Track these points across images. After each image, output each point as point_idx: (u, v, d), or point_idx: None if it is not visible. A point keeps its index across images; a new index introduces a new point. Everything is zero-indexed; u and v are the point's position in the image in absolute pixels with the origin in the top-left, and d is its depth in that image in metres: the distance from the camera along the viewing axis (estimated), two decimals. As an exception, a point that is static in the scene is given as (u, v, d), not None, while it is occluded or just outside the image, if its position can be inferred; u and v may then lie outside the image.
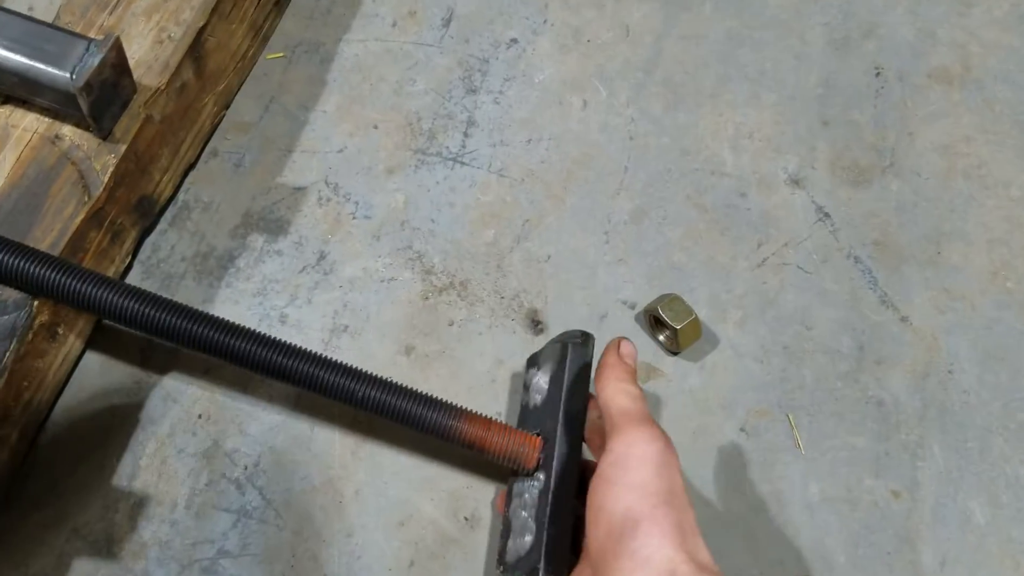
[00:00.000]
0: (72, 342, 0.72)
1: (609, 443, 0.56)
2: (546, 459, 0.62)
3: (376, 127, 0.87)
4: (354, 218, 0.83)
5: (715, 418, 0.75)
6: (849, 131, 0.90)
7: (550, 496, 0.60)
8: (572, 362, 0.65)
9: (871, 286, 0.82)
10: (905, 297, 0.81)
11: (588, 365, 0.66)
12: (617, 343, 0.63)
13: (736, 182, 0.86)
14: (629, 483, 0.52)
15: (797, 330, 0.79)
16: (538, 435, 0.64)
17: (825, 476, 0.73)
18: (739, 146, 0.88)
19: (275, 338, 0.65)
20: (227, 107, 0.87)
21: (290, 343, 0.65)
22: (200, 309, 0.65)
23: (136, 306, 0.64)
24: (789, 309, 0.80)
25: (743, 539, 0.71)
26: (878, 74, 0.93)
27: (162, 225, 0.81)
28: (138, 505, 0.70)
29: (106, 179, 0.71)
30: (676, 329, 0.74)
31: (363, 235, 0.82)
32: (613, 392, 0.58)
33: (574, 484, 0.62)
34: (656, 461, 0.53)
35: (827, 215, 0.85)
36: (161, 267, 0.79)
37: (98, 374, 0.74)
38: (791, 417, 0.76)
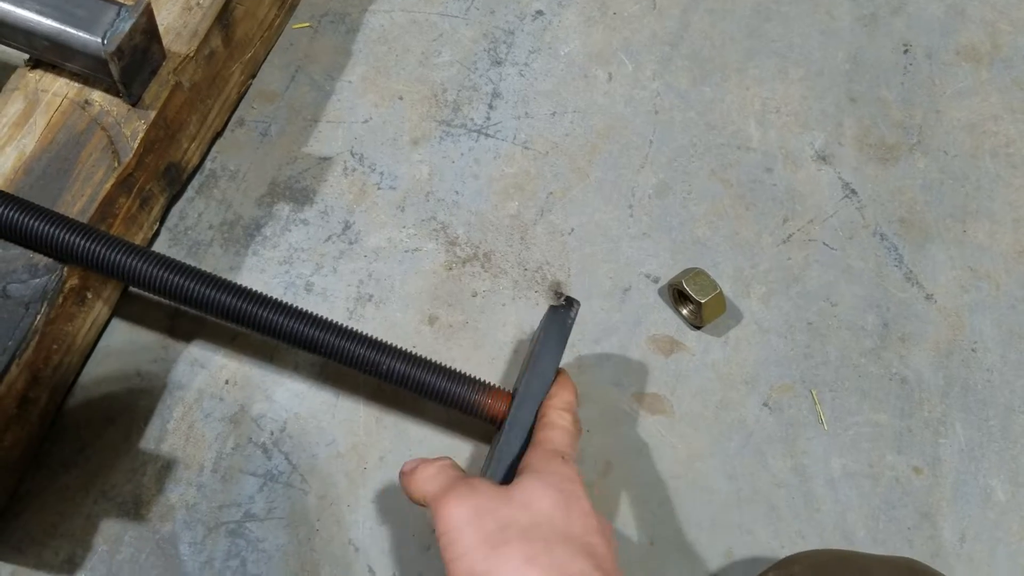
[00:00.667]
0: (100, 308, 0.73)
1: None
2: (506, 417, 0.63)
3: (401, 98, 0.87)
4: (379, 188, 0.83)
5: (738, 393, 0.75)
6: (876, 108, 0.89)
7: (496, 451, 0.61)
8: (546, 325, 0.65)
9: (896, 263, 0.82)
10: (930, 275, 0.81)
11: (565, 328, 0.65)
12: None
13: (762, 157, 0.86)
14: (456, 555, 0.49)
15: (822, 306, 0.79)
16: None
17: (847, 452, 0.73)
18: (765, 121, 0.88)
19: (300, 308, 0.66)
20: (254, 76, 0.87)
21: (315, 313, 0.66)
22: (225, 277, 0.66)
23: (162, 273, 0.64)
24: (814, 285, 0.80)
25: (765, 514, 0.71)
26: (906, 51, 0.92)
27: (189, 193, 0.82)
28: (165, 468, 0.71)
29: (136, 145, 0.72)
30: (700, 303, 0.74)
31: (388, 205, 0.82)
32: (419, 486, 0.56)
33: (524, 442, 0.61)
34: (470, 516, 0.50)
35: (853, 192, 0.85)
36: (188, 234, 0.80)
37: (125, 339, 0.75)
38: (814, 393, 0.76)
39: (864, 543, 0.70)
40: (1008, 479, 0.73)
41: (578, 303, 0.66)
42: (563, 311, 0.65)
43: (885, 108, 0.89)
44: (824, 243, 0.82)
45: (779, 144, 0.86)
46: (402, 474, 0.59)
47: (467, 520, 0.49)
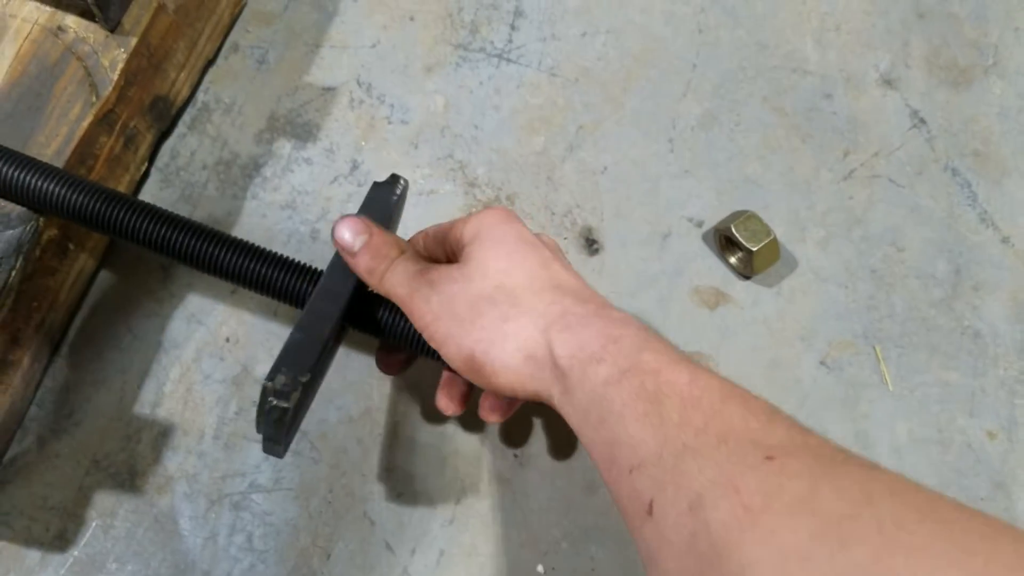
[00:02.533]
0: (84, 260, 0.66)
1: (455, 238, 0.55)
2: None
3: (412, 19, 0.78)
4: (389, 123, 0.74)
5: (793, 350, 0.68)
6: (947, 25, 0.79)
7: (310, 299, 0.54)
8: (367, 199, 0.58)
9: (970, 202, 0.73)
10: (1007, 215, 0.73)
11: (388, 202, 0.58)
12: (333, 237, 0.55)
13: (820, 82, 0.76)
14: (443, 342, 0.51)
15: (886, 252, 0.71)
16: None
17: (914, 415, 0.66)
18: (824, 40, 0.78)
19: (295, 260, 0.58)
20: (248, -4, 0.79)
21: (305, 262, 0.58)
22: (213, 227, 0.58)
23: (142, 223, 0.57)
24: (878, 228, 0.72)
25: (821, 483, 0.64)
26: (982, -42, 0.82)
27: (180, 129, 0.74)
28: (162, 435, 0.65)
29: (116, 77, 0.64)
30: (751, 251, 0.66)
31: (399, 142, 0.74)
32: (387, 290, 0.54)
33: (348, 285, 0.55)
34: (443, 305, 0.51)
35: (922, 121, 0.75)
36: (181, 175, 0.72)
37: (115, 294, 0.68)
38: (878, 349, 0.68)
39: (930, 515, 0.64)
40: (1092, 444, 0.66)
41: (405, 180, 0.60)
42: (387, 187, 0.59)
43: (957, 25, 0.79)
44: (890, 179, 0.73)
45: (839, 66, 0.77)
46: (355, 268, 0.55)
47: (439, 307, 0.51)
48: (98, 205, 0.57)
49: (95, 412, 0.65)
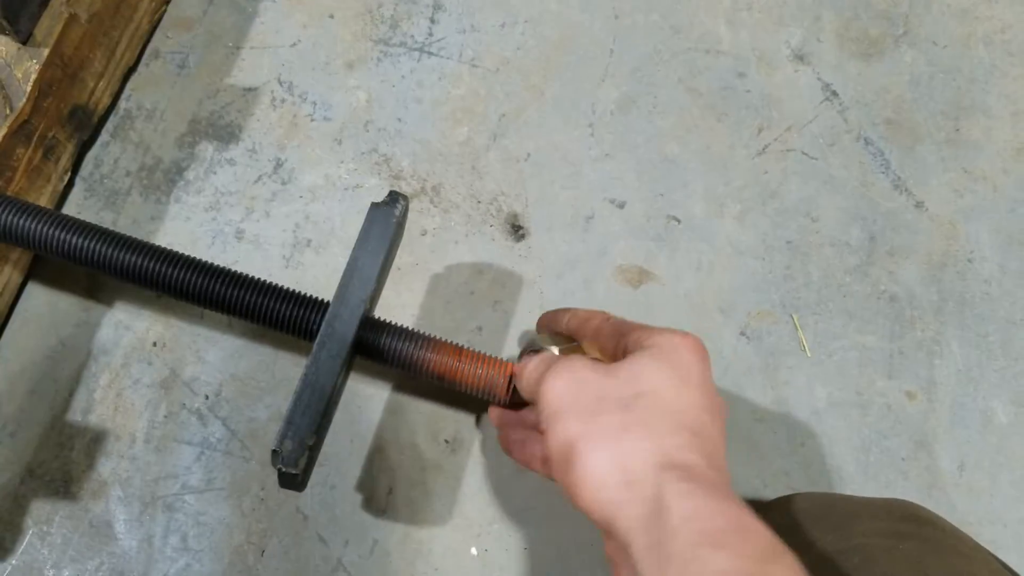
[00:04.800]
0: (10, 273, 0.66)
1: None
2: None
3: (332, 16, 0.79)
4: (312, 120, 0.75)
5: (713, 322, 0.69)
6: (858, -2, 0.81)
7: (309, 359, 0.55)
8: (368, 225, 0.59)
9: (883, 170, 0.74)
10: (920, 180, 0.74)
11: (389, 227, 0.59)
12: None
13: (734, 61, 0.78)
14: (555, 421, 0.46)
15: (802, 223, 0.72)
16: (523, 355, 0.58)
17: (833, 379, 0.68)
18: (736, 20, 0.79)
19: (216, 265, 0.59)
20: (167, 2, 0.79)
21: (233, 270, 0.59)
22: (123, 233, 0.59)
23: (57, 234, 0.57)
24: (793, 200, 0.73)
25: (746, 449, 0.66)
26: (891, -69, 0.83)
27: (103, 137, 0.74)
28: (95, 441, 0.65)
29: (29, 88, 0.64)
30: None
31: (323, 139, 0.74)
32: (526, 385, 0.51)
33: (348, 338, 0.56)
34: (569, 386, 0.47)
35: (834, 93, 0.77)
36: (104, 183, 0.72)
37: (43, 304, 0.68)
38: (795, 318, 0.70)
39: (854, 478, 0.65)
40: (1010, 399, 0.67)
41: (406, 197, 0.60)
42: (387, 207, 0.59)
43: (868, -2, 0.81)
44: (803, 152, 0.75)
45: (752, 45, 0.78)
46: (514, 376, 0.56)
47: (565, 390, 0.46)
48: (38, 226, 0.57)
49: (28, 421, 0.65)
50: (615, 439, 0.43)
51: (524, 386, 0.52)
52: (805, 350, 0.68)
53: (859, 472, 0.65)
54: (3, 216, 0.57)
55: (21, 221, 0.57)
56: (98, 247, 0.57)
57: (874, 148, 0.75)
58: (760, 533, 0.39)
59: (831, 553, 0.49)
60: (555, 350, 0.56)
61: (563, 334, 0.58)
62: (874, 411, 0.67)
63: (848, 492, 0.64)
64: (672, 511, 0.39)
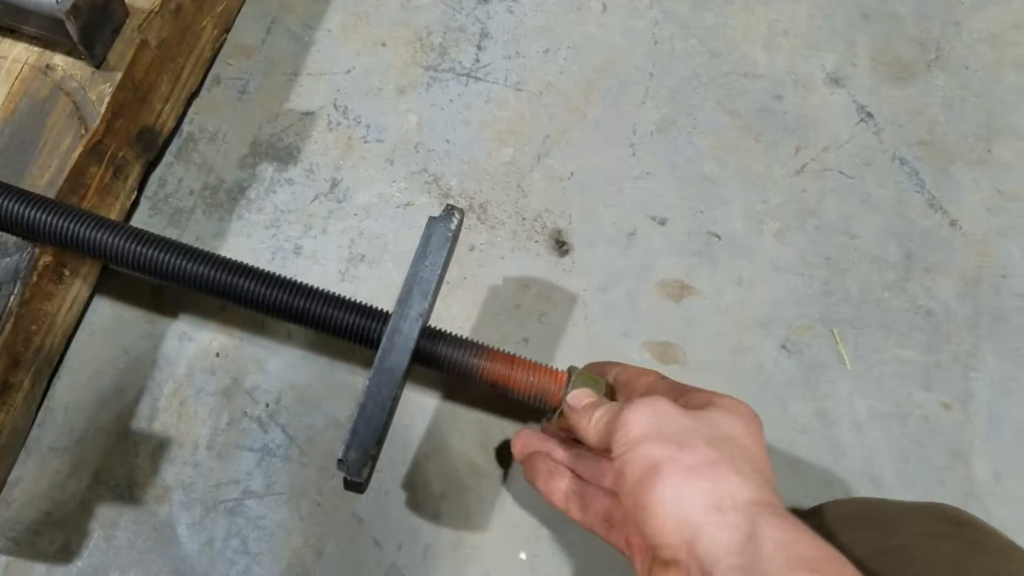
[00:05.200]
0: (79, 285, 0.70)
1: (612, 447, 0.51)
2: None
3: (384, 44, 0.82)
4: (366, 142, 0.78)
5: (754, 336, 0.71)
6: (890, 24, 0.83)
7: (371, 372, 0.57)
8: (426, 239, 0.61)
9: (918, 189, 0.77)
10: (954, 199, 0.76)
11: (446, 237, 0.61)
12: (565, 400, 0.58)
13: (771, 84, 0.80)
14: (636, 445, 0.47)
15: (840, 239, 0.75)
16: (568, 370, 0.60)
17: (872, 392, 0.70)
18: (773, 45, 0.82)
19: (284, 277, 0.62)
20: (228, 30, 0.83)
21: (299, 280, 0.62)
22: (198, 247, 0.62)
23: (131, 246, 0.60)
24: (831, 217, 0.75)
25: (788, 462, 0.67)
26: (921, -40, 0.86)
27: (167, 158, 0.77)
28: (159, 448, 0.68)
29: (103, 110, 0.67)
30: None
31: (376, 159, 0.78)
32: (594, 430, 0.52)
33: (408, 351, 0.58)
34: (652, 419, 0.48)
35: (869, 115, 0.79)
36: (169, 202, 0.76)
37: (110, 316, 0.72)
38: (835, 332, 0.72)
39: (893, 487, 0.67)
40: (1045, 411, 0.69)
41: (461, 211, 0.62)
42: (443, 220, 0.61)
43: (899, 23, 0.83)
44: (840, 172, 0.77)
45: (788, 69, 0.81)
46: (570, 409, 0.56)
47: (649, 420, 0.47)
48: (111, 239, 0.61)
49: (95, 429, 0.68)
50: (703, 469, 0.44)
51: (590, 428, 0.52)
52: (845, 363, 0.70)
53: (898, 481, 0.67)
54: (83, 230, 0.61)
55: (100, 235, 0.61)
56: (177, 261, 0.61)
57: (909, 168, 0.77)
58: (849, 566, 0.41)
59: (872, 554, 0.51)
60: (590, 392, 0.58)
61: (599, 376, 0.60)
62: (912, 422, 0.69)
63: (886, 498, 0.66)
64: (766, 537, 0.41)
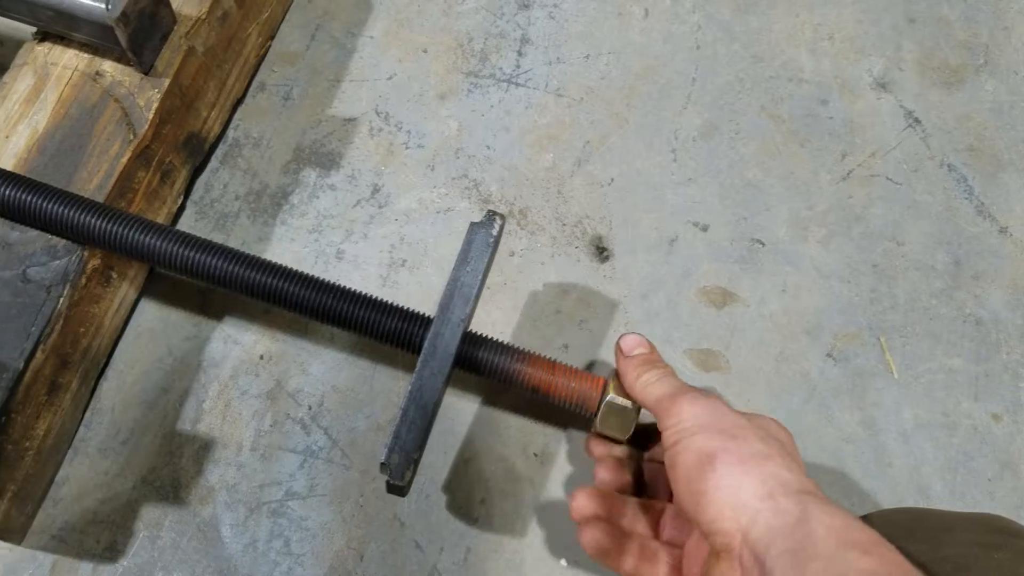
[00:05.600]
0: (126, 288, 0.71)
1: (662, 427, 0.53)
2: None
3: (425, 51, 0.83)
4: (407, 148, 0.79)
5: (799, 344, 0.70)
6: (938, 28, 0.82)
7: (413, 376, 0.58)
8: (467, 244, 0.61)
9: (967, 195, 0.75)
10: (1004, 206, 0.75)
11: (487, 241, 0.61)
12: (617, 342, 0.59)
13: (816, 89, 0.80)
14: (691, 434, 0.49)
15: (887, 246, 0.73)
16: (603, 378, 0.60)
17: (920, 401, 0.68)
18: (818, 49, 0.81)
19: (328, 281, 0.62)
20: (272, 37, 0.84)
21: (342, 285, 0.62)
22: (242, 251, 0.63)
23: (178, 250, 0.62)
24: (878, 224, 0.74)
25: (834, 471, 0.66)
26: (969, -37, 0.85)
27: (213, 163, 0.78)
28: (203, 449, 0.68)
29: (151, 115, 0.69)
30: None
31: (417, 165, 0.78)
32: (640, 389, 0.56)
33: (450, 357, 0.58)
34: (708, 411, 0.50)
35: (917, 120, 0.78)
36: (214, 206, 0.77)
37: (156, 318, 0.73)
38: (883, 340, 0.70)
39: (941, 498, 0.66)
40: (1100, 423, 0.67)
41: (503, 216, 0.62)
42: (485, 226, 0.61)
43: (947, 27, 0.82)
44: (887, 178, 0.76)
45: (834, 73, 0.80)
46: (619, 356, 0.59)
47: (704, 412, 0.50)
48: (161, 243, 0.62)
49: (140, 430, 0.69)
50: (758, 460, 0.46)
51: (636, 384, 0.55)
52: (893, 372, 0.69)
53: (946, 492, 0.66)
54: (131, 234, 0.61)
55: (147, 238, 0.62)
56: (223, 264, 0.61)
57: (957, 174, 0.76)
58: (898, 552, 0.42)
59: (922, 564, 0.50)
60: (644, 341, 0.59)
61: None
62: (960, 433, 0.67)
63: (935, 508, 0.64)
64: (818, 521, 0.42)
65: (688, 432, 0.49)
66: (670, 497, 0.59)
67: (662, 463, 0.59)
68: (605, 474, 0.60)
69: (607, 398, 0.58)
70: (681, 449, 0.49)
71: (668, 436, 0.51)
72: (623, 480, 0.60)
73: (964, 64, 0.80)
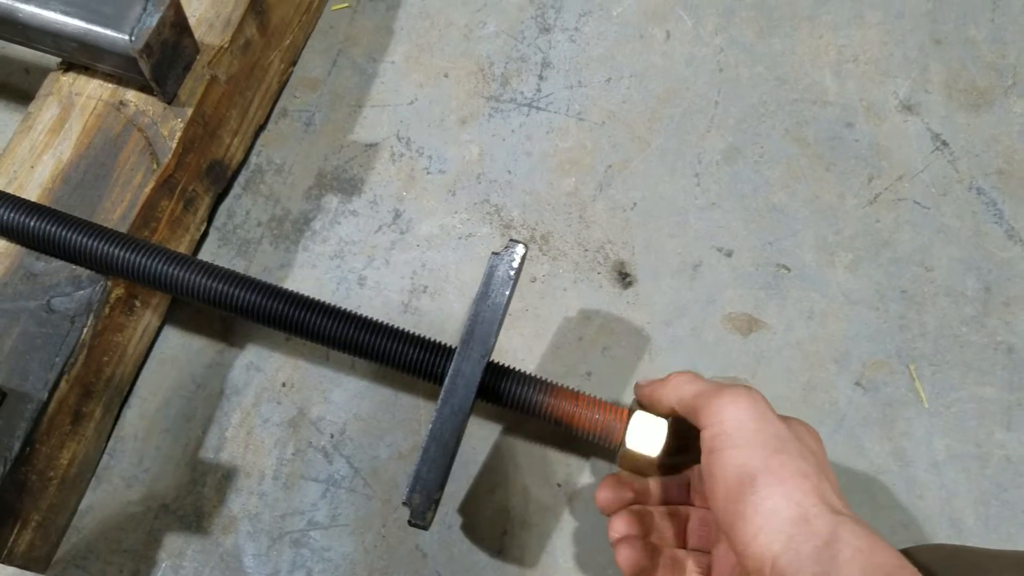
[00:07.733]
0: (149, 316, 0.71)
1: (700, 424, 0.52)
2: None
3: (447, 75, 0.83)
4: (428, 173, 0.79)
5: (827, 372, 0.69)
6: (965, 49, 0.81)
7: (435, 413, 0.57)
8: (488, 271, 0.60)
9: (996, 219, 0.74)
10: (1036, 230, 0.73)
11: (508, 273, 0.60)
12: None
13: (841, 111, 0.79)
14: (732, 444, 0.49)
15: (916, 272, 0.72)
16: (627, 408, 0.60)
17: (952, 431, 0.67)
18: (843, 71, 0.80)
19: (349, 311, 0.62)
20: (294, 63, 0.84)
21: (364, 315, 0.62)
22: (263, 280, 0.63)
23: (200, 280, 0.62)
24: (906, 249, 0.73)
25: (864, 502, 0.65)
26: (996, -17, 0.84)
27: (236, 190, 0.79)
28: (226, 478, 0.68)
29: (174, 145, 0.69)
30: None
31: (438, 190, 0.78)
32: (672, 391, 0.55)
33: (471, 394, 0.57)
34: (751, 416, 0.49)
35: (944, 143, 0.77)
36: (237, 233, 0.77)
37: (179, 346, 0.73)
38: (912, 368, 0.69)
39: (974, 531, 0.64)
40: None
41: (525, 245, 0.61)
42: (506, 257, 0.60)
43: (974, 48, 0.81)
44: (915, 202, 0.75)
45: (859, 96, 0.79)
46: (640, 386, 0.59)
47: (747, 417, 0.49)
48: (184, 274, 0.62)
49: (163, 459, 0.69)
50: (796, 479, 0.46)
51: (667, 395, 0.55)
52: (923, 401, 0.68)
53: (979, 525, 0.64)
54: (154, 264, 0.62)
55: (170, 269, 0.62)
56: (244, 294, 0.61)
57: (986, 198, 0.75)
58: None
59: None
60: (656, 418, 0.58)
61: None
62: (993, 463, 0.66)
63: (969, 545, 0.63)
64: (845, 545, 0.43)
65: (730, 441, 0.48)
66: (692, 498, 0.60)
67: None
68: (606, 492, 0.59)
69: (635, 413, 0.58)
70: (723, 461, 0.48)
71: (708, 438, 0.50)
72: (624, 498, 0.59)
73: (992, 85, 0.79)
